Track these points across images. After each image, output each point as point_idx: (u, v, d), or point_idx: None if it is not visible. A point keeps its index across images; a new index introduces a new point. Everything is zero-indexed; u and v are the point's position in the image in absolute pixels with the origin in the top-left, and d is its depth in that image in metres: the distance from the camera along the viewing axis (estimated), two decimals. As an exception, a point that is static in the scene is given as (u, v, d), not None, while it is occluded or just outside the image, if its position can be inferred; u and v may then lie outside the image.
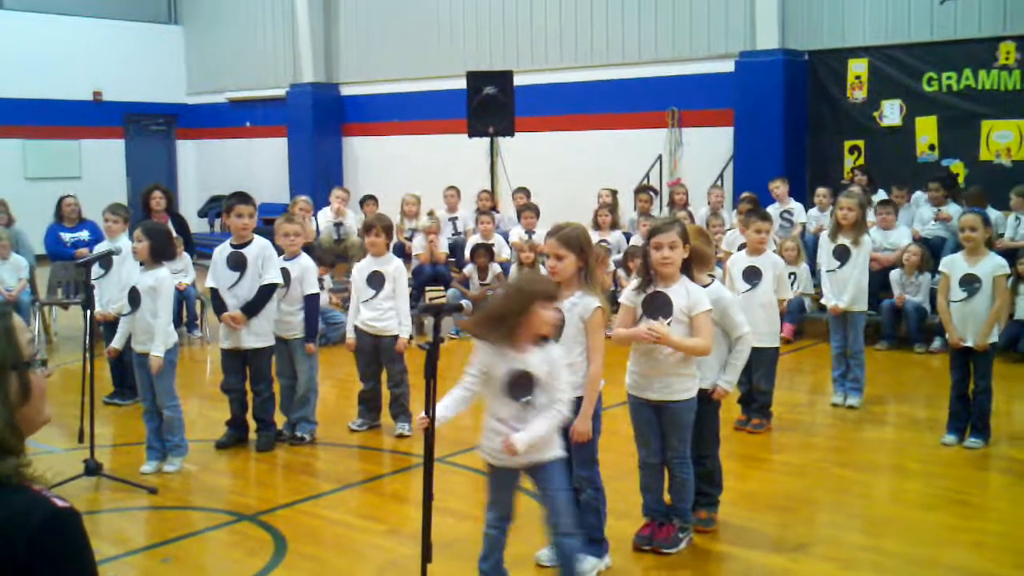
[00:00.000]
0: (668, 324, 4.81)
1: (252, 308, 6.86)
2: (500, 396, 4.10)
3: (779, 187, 11.97)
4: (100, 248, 8.43)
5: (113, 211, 8.42)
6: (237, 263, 6.90)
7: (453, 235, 12.72)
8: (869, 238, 8.07)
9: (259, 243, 6.96)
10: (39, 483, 1.90)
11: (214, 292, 7.00)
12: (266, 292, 6.89)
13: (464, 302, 4.10)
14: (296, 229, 7.28)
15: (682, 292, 4.85)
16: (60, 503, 1.87)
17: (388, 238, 7.30)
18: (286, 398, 7.26)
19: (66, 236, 11.19)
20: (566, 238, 4.53)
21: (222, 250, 7.02)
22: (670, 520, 5.11)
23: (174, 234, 10.56)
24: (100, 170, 19.72)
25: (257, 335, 6.94)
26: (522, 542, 4.75)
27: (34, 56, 18.85)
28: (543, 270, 11.34)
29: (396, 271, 7.20)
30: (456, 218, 13.13)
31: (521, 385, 4.06)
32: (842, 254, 7.86)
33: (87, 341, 6.35)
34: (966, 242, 6.85)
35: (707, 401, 5.23)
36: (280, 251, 7.16)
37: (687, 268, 4.92)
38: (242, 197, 7.07)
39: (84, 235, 11.21)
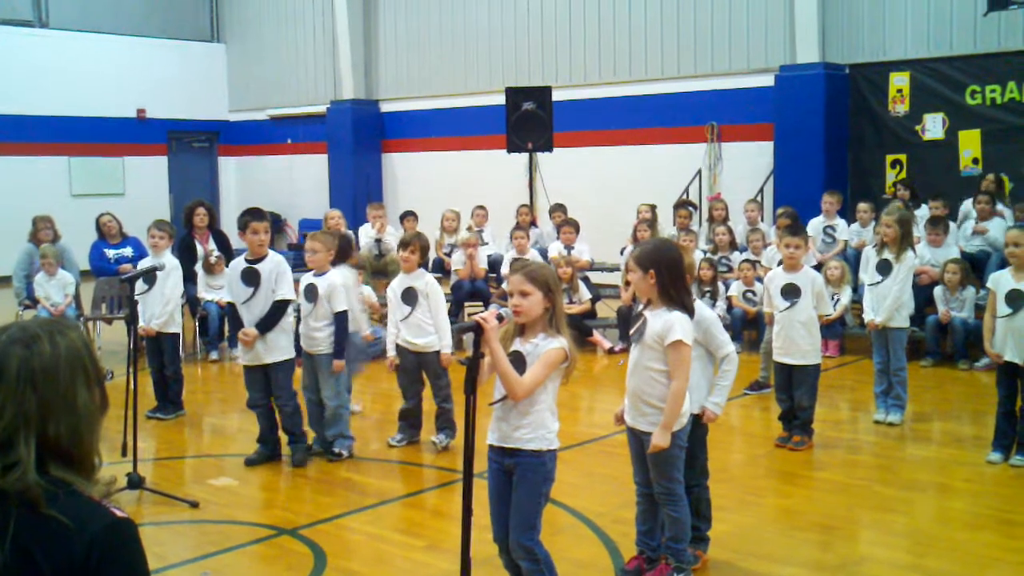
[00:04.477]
0: (638, 348, 4.67)
1: (266, 324, 6.88)
2: None
3: (830, 201, 11.70)
4: (144, 264, 8.55)
5: (159, 227, 8.54)
6: (251, 278, 6.92)
7: (482, 245, 12.73)
8: (913, 254, 7.98)
9: (273, 259, 6.98)
10: (99, 493, 1.96)
11: (231, 307, 7.06)
12: (279, 308, 6.91)
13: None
14: (315, 246, 7.15)
15: (659, 318, 4.61)
16: (119, 513, 1.94)
17: (423, 256, 7.36)
18: (312, 413, 7.25)
19: (110, 252, 11.34)
20: (532, 274, 4.14)
21: (236, 265, 7.07)
22: (664, 559, 4.83)
23: (216, 250, 10.72)
24: (143, 187, 19.97)
25: (275, 349, 6.95)
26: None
27: (79, 74, 19.15)
28: (582, 286, 11.46)
29: (428, 286, 7.20)
30: (482, 231, 13.14)
31: None
32: (884, 268, 7.80)
33: (131, 356, 6.43)
34: (1011, 258, 6.76)
35: (696, 426, 4.97)
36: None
37: (668, 292, 4.61)
38: (255, 214, 7.04)
39: (127, 251, 11.38)
